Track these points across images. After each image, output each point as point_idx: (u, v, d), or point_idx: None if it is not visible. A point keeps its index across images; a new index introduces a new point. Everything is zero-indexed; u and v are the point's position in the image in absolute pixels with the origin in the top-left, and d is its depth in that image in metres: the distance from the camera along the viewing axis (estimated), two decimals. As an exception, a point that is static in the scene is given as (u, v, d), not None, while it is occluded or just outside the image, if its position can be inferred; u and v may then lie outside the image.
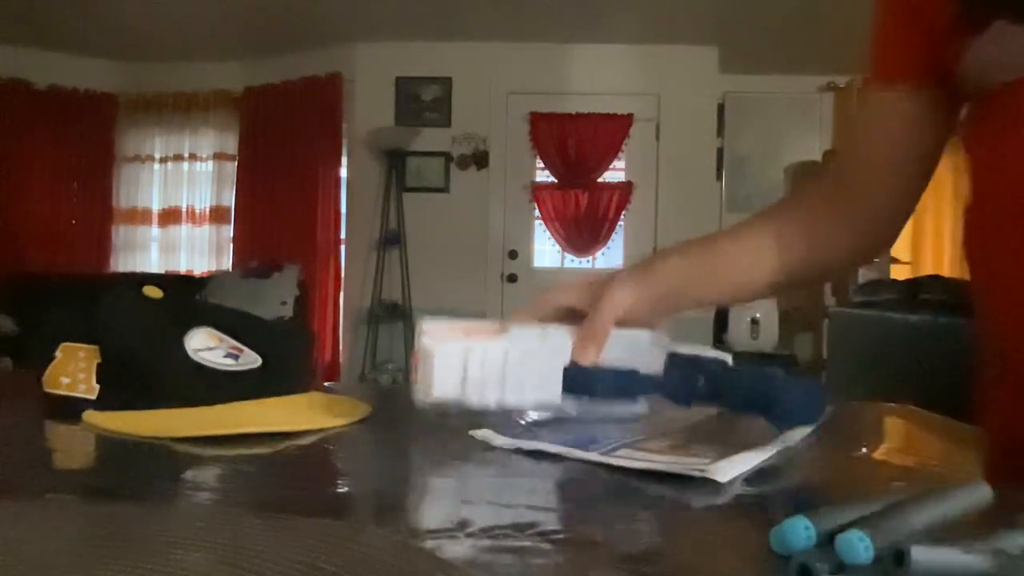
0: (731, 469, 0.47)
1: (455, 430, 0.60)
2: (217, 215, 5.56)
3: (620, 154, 4.99)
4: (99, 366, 0.60)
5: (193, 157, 5.60)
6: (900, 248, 5.11)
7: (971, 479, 0.37)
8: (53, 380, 0.61)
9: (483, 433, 0.57)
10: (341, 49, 5.00)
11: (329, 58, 5.04)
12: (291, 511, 0.37)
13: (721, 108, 5.22)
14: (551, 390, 0.58)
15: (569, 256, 5.03)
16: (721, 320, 4.92)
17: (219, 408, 0.60)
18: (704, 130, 5.02)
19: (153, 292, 0.65)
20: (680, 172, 4.93)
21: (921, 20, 0.61)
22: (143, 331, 0.61)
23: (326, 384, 0.84)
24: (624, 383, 0.58)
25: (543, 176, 5.04)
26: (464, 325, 0.58)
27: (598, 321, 0.58)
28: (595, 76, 4.98)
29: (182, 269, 5.54)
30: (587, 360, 0.57)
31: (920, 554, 0.27)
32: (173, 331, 0.62)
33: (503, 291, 5.02)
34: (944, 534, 0.31)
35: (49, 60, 5.32)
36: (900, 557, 0.28)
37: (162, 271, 5.48)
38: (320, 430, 0.59)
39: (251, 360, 0.64)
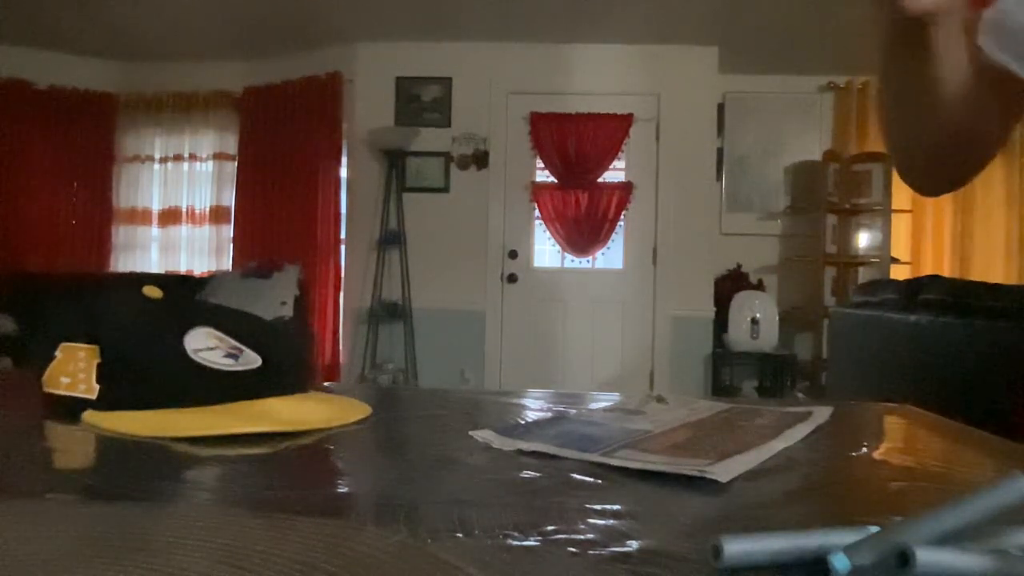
0: (731, 469, 0.47)
1: (455, 430, 0.60)
2: (217, 215, 5.56)
3: (620, 154, 4.98)
4: (99, 366, 0.60)
5: (193, 157, 5.60)
6: (900, 248, 5.11)
7: (999, 476, 0.36)
8: (53, 380, 0.61)
9: (483, 434, 0.57)
10: (341, 49, 5.00)
11: (329, 58, 5.04)
12: (291, 511, 0.37)
13: (721, 108, 5.22)
14: None
15: (569, 256, 5.03)
16: (721, 320, 4.92)
17: (219, 408, 0.59)
18: (704, 130, 5.01)
19: (153, 292, 0.64)
20: (680, 172, 4.92)
21: None
22: (143, 331, 0.61)
23: (326, 384, 0.83)
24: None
25: (543, 176, 5.03)
26: None
27: None
28: (595, 76, 4.98)
29: (182, 269, 5.54)
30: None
31: (924, 555, 0.27)
32: (173, 331, 0.62)
33: (503, 291, 5.02)
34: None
35: (49, 60, 5.32)
36: (904, 558, 0.28)
37: (162, 271, 5.48)
38: (320, 430, 0.59)
39: (251, 360, 0.64)
